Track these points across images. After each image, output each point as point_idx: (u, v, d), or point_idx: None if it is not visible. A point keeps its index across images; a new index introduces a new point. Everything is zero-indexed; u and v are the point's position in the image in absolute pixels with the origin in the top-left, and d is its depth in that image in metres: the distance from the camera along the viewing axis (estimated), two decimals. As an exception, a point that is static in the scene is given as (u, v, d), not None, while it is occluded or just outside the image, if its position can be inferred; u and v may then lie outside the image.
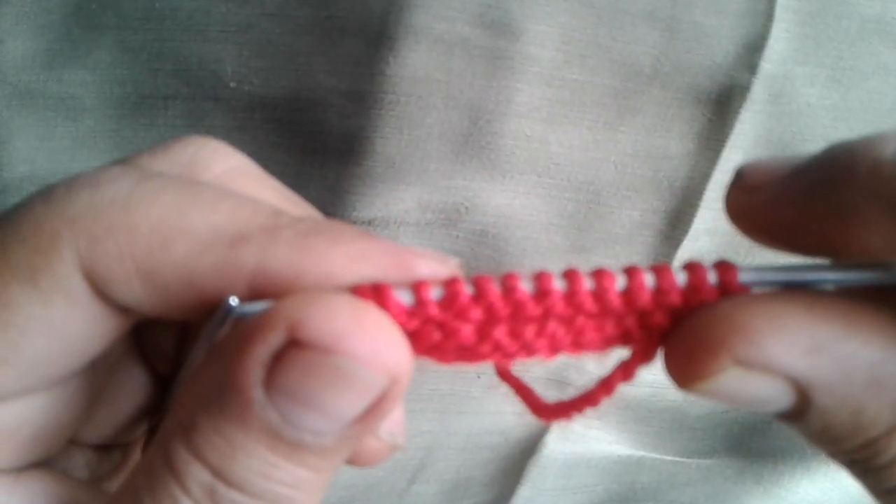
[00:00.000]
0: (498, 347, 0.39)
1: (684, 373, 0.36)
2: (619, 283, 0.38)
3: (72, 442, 0.46)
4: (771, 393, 0.35)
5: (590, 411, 0.42)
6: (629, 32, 0.78)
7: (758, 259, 0.85)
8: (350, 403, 0.34)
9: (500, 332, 0.38)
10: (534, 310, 0.38)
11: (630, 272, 0.38)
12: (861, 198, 0.34)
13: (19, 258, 0.36)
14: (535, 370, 0.89)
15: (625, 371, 0.41)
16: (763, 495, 0.99)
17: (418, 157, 0.79)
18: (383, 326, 0.35)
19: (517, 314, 0.38)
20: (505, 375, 0.44)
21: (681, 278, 0.38)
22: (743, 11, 0.79)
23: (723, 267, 0.38)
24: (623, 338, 0.40)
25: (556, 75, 0.79)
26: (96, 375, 0.44)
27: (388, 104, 0.77)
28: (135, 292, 0.37)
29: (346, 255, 0.37)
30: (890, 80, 0.84)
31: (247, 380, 0.33)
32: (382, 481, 0.93)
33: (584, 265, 0.39)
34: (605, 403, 0.42)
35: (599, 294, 0.38)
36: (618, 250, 0.86)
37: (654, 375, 0.92)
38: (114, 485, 0.49)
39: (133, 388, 0.48)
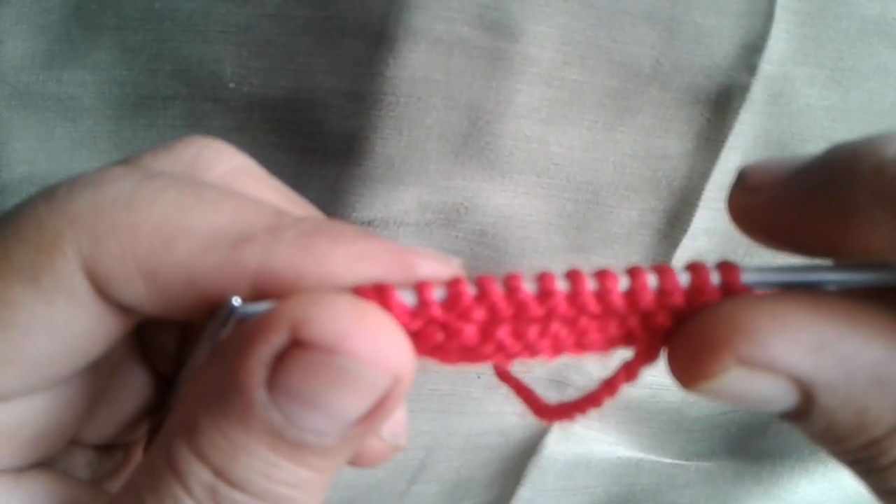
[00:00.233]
0: (501, 348, 0.39)
1: (688, 373, 0.36)
2: (622, 283, 0.38)
3: (73, 442, 0.46)
4: (774, 392, 0.35)
5: (592, 412, 0.42)
6: (629, 33, 0.78)
7: (756, 258, 0.85)
8: (352, 403, 0.34)
9: (504, 333, 0.38)
10: (537, 310, 0.38)
11: (633, 273, 0.38)
12: (864, 198, 0.34)
13: (21, 258, 0.36)
14: (536, 371, 0.89)
15: (628, 371, 0.41)
16: (763, 496, 0.99)
17: (418, 158, 0.79)
18: (386, 326, 0.35)
19: (520, 315, 0.38)
20: (504, 376, 0.44)
21: (684, 279, 0.38)
22: (742, 12, 0.79)
23: (725, 267, 0.38)
24: (626, 338, 0.39)
25: (555, 76, 0.79)
26: (98, 375, 0.44)
27: (388, 105, 0.77)
28: (137, 292, 0.37)
29: (348, 255, 0.37)
30: (889, 80, 0.84)
31: (249, 380, 0.33)
32: (383, 482, 0.93)
33: (584, 265, 0.38)
34: (606, 404, 0.42)
35: (602, 295, 0.38)
36: (616, 250, 0.86)
37: (653, 377, 0.92)
38: (115, 485, 0.49)
39: (135, 389, 0.48)
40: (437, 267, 0.38)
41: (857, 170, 0.34)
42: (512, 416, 0.93)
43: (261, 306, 0.36)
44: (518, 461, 0.95)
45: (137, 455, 0.51)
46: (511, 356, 0.40)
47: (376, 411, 0.35)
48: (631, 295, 0.38)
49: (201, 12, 0.77)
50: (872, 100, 0.85)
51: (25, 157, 0.78)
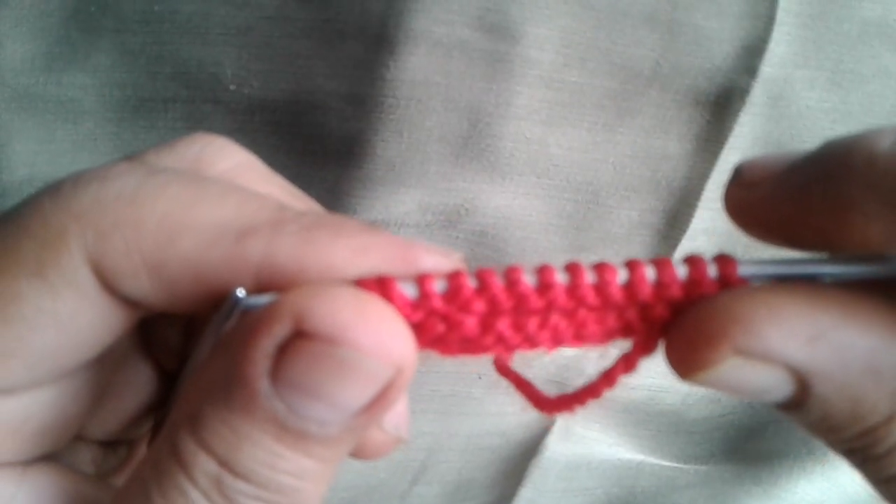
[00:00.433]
0: (501, 339, 0.39)
1: (685, 363, 0.37)
2: (621, 276, 0.38)
3: (78, 437, 0.47)
4: (771, 382, 0.35)
5: (592, 405, 0.42)
6: (629, 35, 0.79)
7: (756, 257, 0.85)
8: (355, 394, 0.35)
9: (504, 325, 0.39)
10: (536, 302, 0.38)
11: (631, 266, 0.38)
12: (857, 191, 0.34)
13: (27, 252, 0.37)
14: (535, 372, 0.89)
15: (626, 363, 0.41)
16: (762, 496, 0.99)
17: (418, 160, 0.79)
18: (387, 318, 0.35)
19: (520, 307, 0.38)
20: (504, 370, 0.45)
21: (681, 271, 0.38)
22: (743, 14, 0.79)
23: (723, 260, 0.38)
24: (624, 330, 0.40)
25: (555, 78, 0.79)
26: (103, 370, 0.44)
27: (388, 107, 0.77)
28: (142, 286, 0.37)
29: (350, 248, 0.37)
30: (890, 83, 0.84)
31: (253, 371, 0.34)
32: (384, 483, 0.93)
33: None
34: (604, 405, 0.42)
35: (601, 287, 0.38)
36: (616, 250, 0.86)
37: (652, 379, 0.93)
38: (119, 481, 0.49)
39: (139, 384, 0.49)
40: (438, 260, 0.38)
41: (850, 164, 0.35)
42: (513, 416, 0.93)
43: (264, 298, 0.36)
44: (519, 462, 0.95)
45: (141, 451, 0.51)
46: (511, 348, 0.40)
47: (379, 401, 0.35)
48: (629, 287, 0.38)
49: (201, 14, 0.77)
50: (873, 102, 0.85)
51: (26, 159, 0.78)
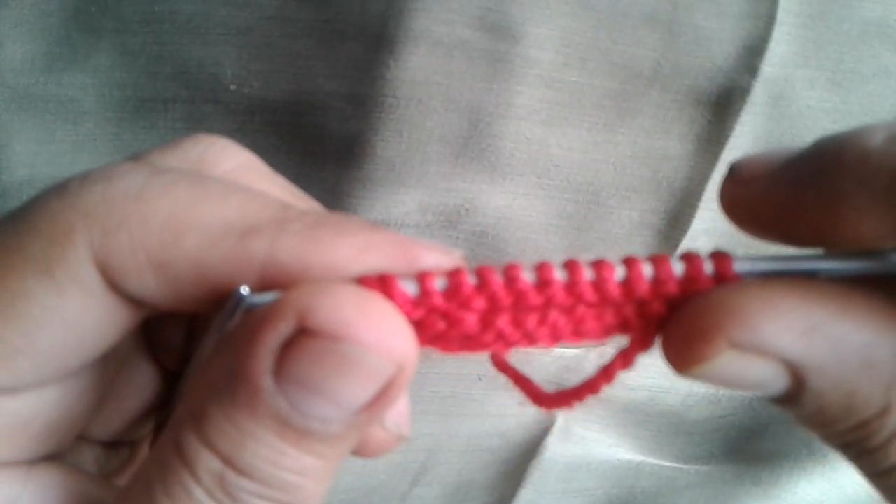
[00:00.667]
0: (501, 336, 0.40)
1: (681, 357, 0.37)
2: (619, 273, 0.39)
3: (81, 438, 0.47)
4: (766, 376, 0.36)
5: (591, 400, 0.42)
6: (629, 35, 0.79)
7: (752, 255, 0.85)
8: (357, 391, 0.35)
9: (503, 321, 0.39)
10: (535, 299, 0.38)
11: (629, 263, 0.39)
12: (850, 186, 0.35)
13: (34, 250, 0.37)
14: (535, 372, 0.89)
15: (624, 359, 0.41)
16: (762, 497, 0.99)
17: (418, 160, 0.79)
18: (389, 315, 0.36)
19: (519, 303, 0.39)
20: (502, 366, 0.45)
21: (678, 268, 0.39)
22: (744, 14, 0.79)
23: (718, 257, 0.39)
24: (622, 326, 0.40)
25: (555, 78, 0.79)
26: (106, 370, 0.44)
27: (389, 107, 0.77)
28: (147, 284, 0.38)
29: (352, 247, 0.37)
30: (890, 82, 0.85)
31: (256, 368, 0.34)
32: (384, 484, 0.93)
33: None
34: (604, 405, 0.42)
35: (599, 284, 0.38)
36: (617, 251, 0.86)
37: (652, 379, 0.93)
38: (121, 481, 0.50)
39: (142, 384, 0.49)
40: (439, 257, 0.39)
41: (843, 160, 0.35)
42: (513, 418, 0.93)
43: (268, 296, 0.36)
44: (519, 463, 0.95)
45: (143, 452, 0.52)
46: (511, 344, 0.40)
47: (380, 399, 0.35)
48: (627, 284, 0.39)
49: (201, 15, 0.77)
50: (873, 102, 0.85)
51: (26, 160, 0.79)
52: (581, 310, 0.39)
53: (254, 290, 0.37)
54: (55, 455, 0.43)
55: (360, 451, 0.45)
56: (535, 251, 0.84)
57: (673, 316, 0.39)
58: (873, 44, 0.83)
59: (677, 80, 0.81)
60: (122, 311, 0.39)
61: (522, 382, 0.45)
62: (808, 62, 0.83)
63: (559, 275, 0.38)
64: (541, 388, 0.45)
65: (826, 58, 0.83)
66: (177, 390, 0.45)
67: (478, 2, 0.75)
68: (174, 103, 0.80)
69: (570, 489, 0.97)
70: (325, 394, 0.34)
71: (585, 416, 0.93)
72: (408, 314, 0.37)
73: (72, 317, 0.37)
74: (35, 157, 0.79)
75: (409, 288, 0.37)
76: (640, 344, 0.41)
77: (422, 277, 0.38)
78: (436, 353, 0.40)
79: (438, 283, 0.38)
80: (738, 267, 0.38)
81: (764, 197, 0.39)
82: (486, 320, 0.39)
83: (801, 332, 0.35)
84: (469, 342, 0.40)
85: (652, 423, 0.96)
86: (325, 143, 0.81)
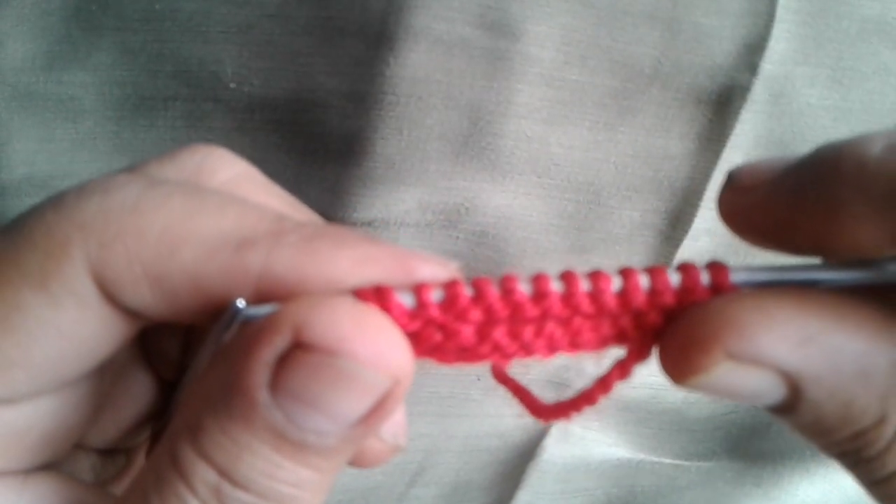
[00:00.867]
0: (497, 348, 0.40)
1: (678, 368, 0.37)
2: (615, 284, 0.39)
3: (77, 446, 0.47)
4: (763, 386, 0.36)
5: (588, 410, 0.42)
6: (629, 33, 0.78)
7: (757, 258, 0.85)
8: (353, 404, 0.35)
9: (500, 333, 0.39)
10: (532, 311, 0.39)
11: (625, 274, 0.39)
12: (848, 195, 0.35)
13: (31, 263, 0.37)
14: (535, 372, 0.89)
15: (621, 369, 0.42)
16: (763, 497, 0.99)
17: (418, 158, 0.79)
18: (385, 329, 0.36)
19: (516, 315, 0.39)
20: (501, 377, 0.45)
21: (674, 279, 0.39)
22: (744, 12, 0.79)
23: (715, 268, 0.39)
24: (619, 337, 0.41)
25: (556, 76, 0.79)
26: (103, 380, 0.45)
27: (388, 105, 0.77)
28: (143, 296, 0.38)
29: (349, 259, 0.38)
30: (890, 80, 0.84)
31: (252, 381, 0.34)
32: (381, 485, 0.93)
33: (585, 266, 0.39)
34: (604, 404, 0.42)
35: (596, 295, 0.39)
36: (618, 251, 0.86)
37: (653, 377, 0.92)
38: (118, 489, 0.50)
39: (138, 394, 0.49)
40: (435, 269, 0.39)
41: (841, 168, 0.35)
42: (511, 418, 0.93)
43: (264, 309, 0.37)
44: (517, 464, 0.95)
45: (140, 459, 0.52)
46: (507, 356, 0.41)
47: (376, 412, 0.36)
48: (623, 295, 0.39)
49: (202, 13, 0.77)
50: (873, 99, 0.85)
51: (25, 158, 0.79)
52: (578, 321, 0.39)
53: (250, 302, 0.37)
54: (51, 464, 0.43)
55: (356, 462, 0.45)
56: (535, 251, 0.84)
57: (669, 326, 0.39)
58: (872, 41, 0.83)
59: (678, 78, 0.80)
60: (118, 323, 0.39)
61: (521, 394, 0.45)
62: (808, 60, 0.83)
63: (556, 286, 0.38)
64: (539, 399, 0.45)
65: (826, 55, 0.83)
66: (173, 400, 0.45)
67: None
68: (174, 101, 0.80)
69: (568, 489, 0.97)
70: (320, 407, 0.35)
71: (585, 415, 0.94)
72: (404, 326, 0.37)
73: (68, 329, 0.38)
74: (35, 156, 0.79)
75: (406, 300, 0.37)
76: (637, 355, 0.41)
77: (418, 289, 0.38)
78: (432, 364, 0.40)
79: (435, 295, 0.38)
80: (735, 277, 0.38)
81: (762, 205, 0.40)
82: (483, 332, 0.39)
83: (797, 342, 0.35)
84: (465, 354, 0.40)
85: (653, 420, 0.96)
86: (325, 141, 0.81)
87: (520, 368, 0.44)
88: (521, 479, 0.95)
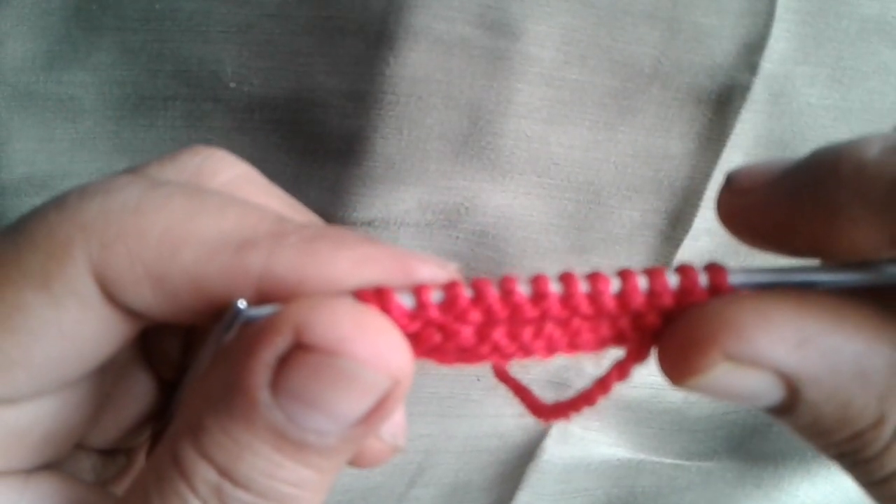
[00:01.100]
0: (497, 348, 0.40)
1: (677, 369, 0.37)
2: (614, 285, 0.39)
3: (78, 446, 0.47)
4: (761, 387, 0.36)
5: (588, 410, 0.43)
6: (629, 32, 0.78)
7: (757, 259, 0.85)
8: (353, 405, 0.35)
9: (499, 334, 0.39)
10: (531, 312, 0.39)
11: (624, 275, 0.39)
12: (846, 197, 0.35)
13: (32, 263, 0.37)
14: (535, 372, 0.89)
15: (620, 370, 0.42)
16: (763, 498, 0.99)
17: (418, 158, 0.79)
18: (385, 329, 0.36)
19: (515, 316, 0.39)
20: (502, 376, 0.46)
21: (673, 281, 0.39)
22: (743, 11, 0.79)
23: (713, 270, 0.39)
24: (617, 338, 0.41)
25: (556, 75, 0.79)
26: (104, 380, 0.45)
27: (388, 104, 0.77)
28: (145, 296, 0.38)
29: (349, 260, 0.38)
30: (890, 79, 0.84)
31: (253, 381, 0.34)
32: (381, 485, 0.93)
33: (585, 266, 0.39)
34: (605, 403, 0.42)
35: (594, 296, 0.39)
36: (618, 251, 0.86)
37: (653, 377, 0.92)
38: (119, 489, 0.50)
39: (139, 394, 0.50)
40: (435, 270, 0.39)
41: (839, 171, 0.35)
42: (511, 419, 0.93)
43: (265, 310, 0.37)
44: (517, 465, 0.95)
45: (140, 459, 0.52)
46: (506, 356, 0.41)
47: (376, 412, 0.36)
48: (622, 297, 0.39)
49: (202, 12, 0.77)
50: (873, 99, 0.85)
51: (25, 157, 0.79)
52: (577, 322, 0.40)
53: (251, 302, 0.37)
54: (52, 464, 0.44)
55: (355, 462, 0.45)
56: (535, 251, 0.84)
57: (668, 328, 0.39)
58: (872, 41, 0.83)
59: (678, 78, 0.80)
60: (119, 323, 0.39)
61: (522, 393, 0.45)
62: (808, 59, 0.83)
63: (555, 287, 0.38)
64: (539, 398, 0.45)
65: (826, 55, 0.83)
66: (173, 400, 0.45)
67: (478, -1, 0.75)
68: (174, 101, 0.80)
69: (568, 490, 0.97)
70: (321, 407, 0.35)
71: (585, 415, 0.93)
72: (404, 327, 0.37)
73: (69, 329, 0.38)
74: (34, 155, 0.79)
75: (406, 301, 0.38)
76: (636, 356, 0.41)
77: (418, 290, 0.38)
78: (432, 365, 0.40)
79: (435, 296, 0.38)
80: (733, 279, 0.39)
81: (760, 207, 0.40)
82: (482, 333, 0.39)
83: (795, 343, 0.35)
84: (465, 354, 0.40)
85: (654, 420, 0.96)
86: (325, 141, 0.81)
87: (519, 368, 0.44)
88: (521, 480, 0.95)
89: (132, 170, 0.45)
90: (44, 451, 0.42)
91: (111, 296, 0.38)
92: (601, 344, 0.41)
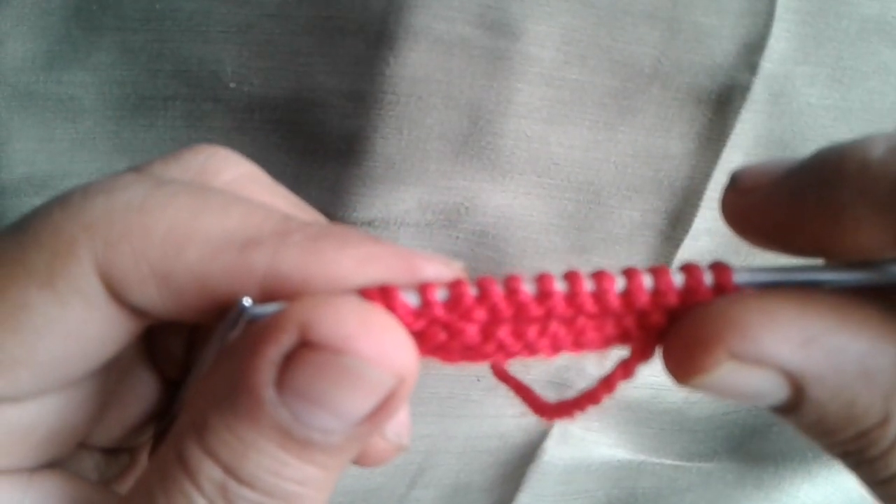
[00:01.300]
0: (501, 347, 0.40)
1: (682, 368, 0.37)
2: (619, 284, 0.39)
3: (82, 445, 0.47)
4: (766, 386, 0.36)
5: (591, 410, 0.43)
6: (629, 32, 0.79)
7: (758, 259, 0.85)
8: (358, 403, 0.35)
9: (504, 332, 0.39)
10: (536, 310, 0.39)
11: (629, 274, 0.39)
12: (850, 197, 0.35)
13: (37, 262, 0.37)
14: (536, 372, 0.89)
15: (625, 369, 0.42)
16: (764, 499, 0.99)
17: (418, 158, 0.79)
18: (390, 328, 0.36)
19: (520, 315, 0.39)
20: (502, 376, 0.46)
21: (678, 279, 0.39)
22: (743, 11, 0.79)
23: (718, 268, 0.39)
24: (622, 337, 0.41)
25: (556, 75, 0.79)
26: (108, 379, 0.45)
27: (388, 104, 0.77)
28: (149, 295, 0.38)
29: (354, 258, 0.38)
30: (890, 79, 0.85)
31: (259, 379, 0.34)
32: (382, 486, 0.93)
33: (585, 266, 0.40)
34: (606, 403, 0.42)
35: (599, 295, 0.39)
36: (618, 251, 0.86)
37: (654, 377, 0.92)
38: (121, 488, 0.50)
39: (142, 392, 0.50)
40: (440, 269, 0.39)
41: (843, 170, 0.35)
42: (511, 419, 0.93)
43: (270, 308, 0.37)
44: (518, 466, 0.95)
45: (143, 458, 0.52)
46: (511, 355, 0.41)
47: (381, 410, 0.36)
48: (627, 295, 0.39)
49: (202, 12, 0.77)
50: (873, 99, 0.85)
51: (25, 157, 0.79)
52: (581, 321, 0.40)
53: (256, 301, 0.37)
54: (56, 462, 0.44)
55: (360, 461, 0.45)
56: (535, 251, 0.84)
57: (673, 327, 0.39)
58: (872, 41, 0.83)
59: (678, 78, 0.80)
60: (124, 322, 0.39)
61: (523, 392, 0.45)
62: (808, 59, 0.83)
63: (560, 286, 0.38)
64: (541, 397, 0.45)
65: (826, 54, 0.83)
66: (178, 398, 0.45)
67: (478, -1, 0.75)
68: (174, 101, 0.80)
69: (569, 491, 0.97)
70: (326, 405, 0.35)
71: (586, 415, 0.93)
72: (409, 325, 0.37)
73: (74, 327, 0.38)
74: (34, 155, 0.79)
75: (411, 299, 0.38)
76: (641, 355, 0.41)
77: (423, 289, 0.38)
78: (436, 363, 0.40)
79: (440, 295, 0.38)
80: (738, 278, 0.39)
81: (764, 207, 0.40)
82: (487, 331, 0.39)
83: (799, 342, 0.35)
84: (470, 353, 0.40)
85: (654, 420, 0.96)
86: (325, 141, 0.81)
87: (520, 368, 0.44)
88: (521, 481, 0.95)
89: (136, 168, 0.45)
90: (47, 449, 0.42)
91: (116, 294, 0.38)
92: (606, 343, 0.41)
